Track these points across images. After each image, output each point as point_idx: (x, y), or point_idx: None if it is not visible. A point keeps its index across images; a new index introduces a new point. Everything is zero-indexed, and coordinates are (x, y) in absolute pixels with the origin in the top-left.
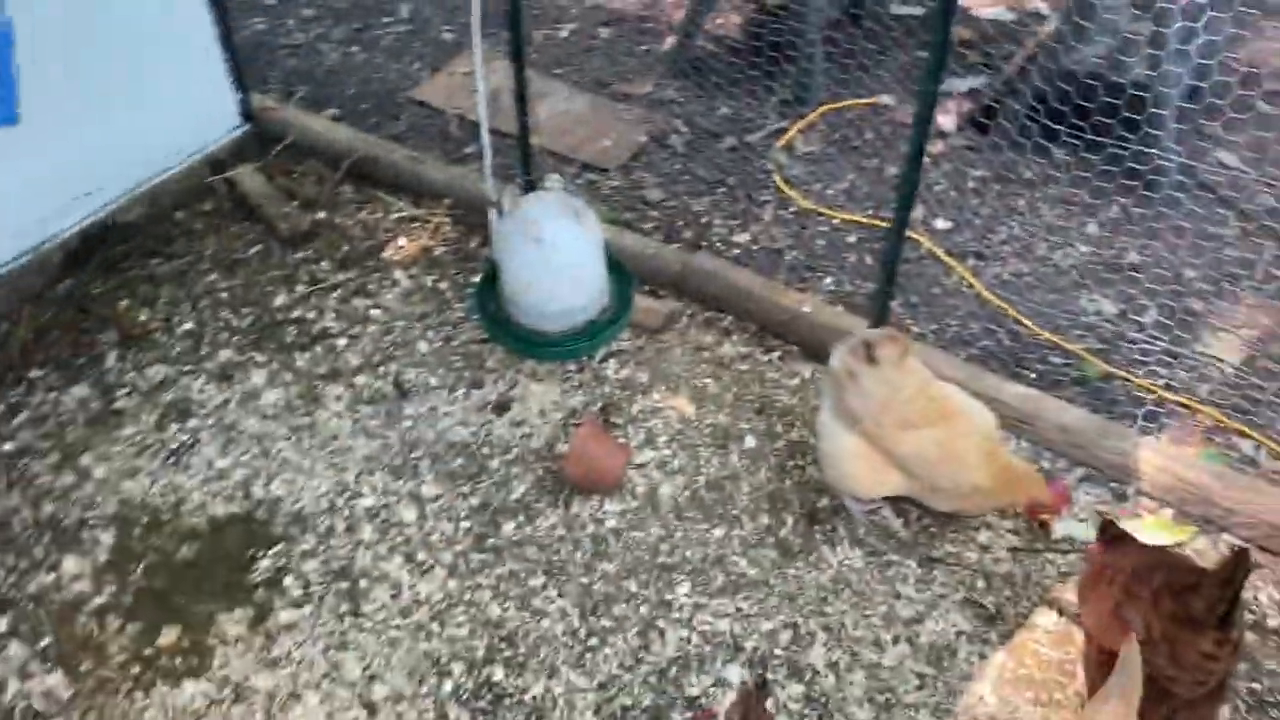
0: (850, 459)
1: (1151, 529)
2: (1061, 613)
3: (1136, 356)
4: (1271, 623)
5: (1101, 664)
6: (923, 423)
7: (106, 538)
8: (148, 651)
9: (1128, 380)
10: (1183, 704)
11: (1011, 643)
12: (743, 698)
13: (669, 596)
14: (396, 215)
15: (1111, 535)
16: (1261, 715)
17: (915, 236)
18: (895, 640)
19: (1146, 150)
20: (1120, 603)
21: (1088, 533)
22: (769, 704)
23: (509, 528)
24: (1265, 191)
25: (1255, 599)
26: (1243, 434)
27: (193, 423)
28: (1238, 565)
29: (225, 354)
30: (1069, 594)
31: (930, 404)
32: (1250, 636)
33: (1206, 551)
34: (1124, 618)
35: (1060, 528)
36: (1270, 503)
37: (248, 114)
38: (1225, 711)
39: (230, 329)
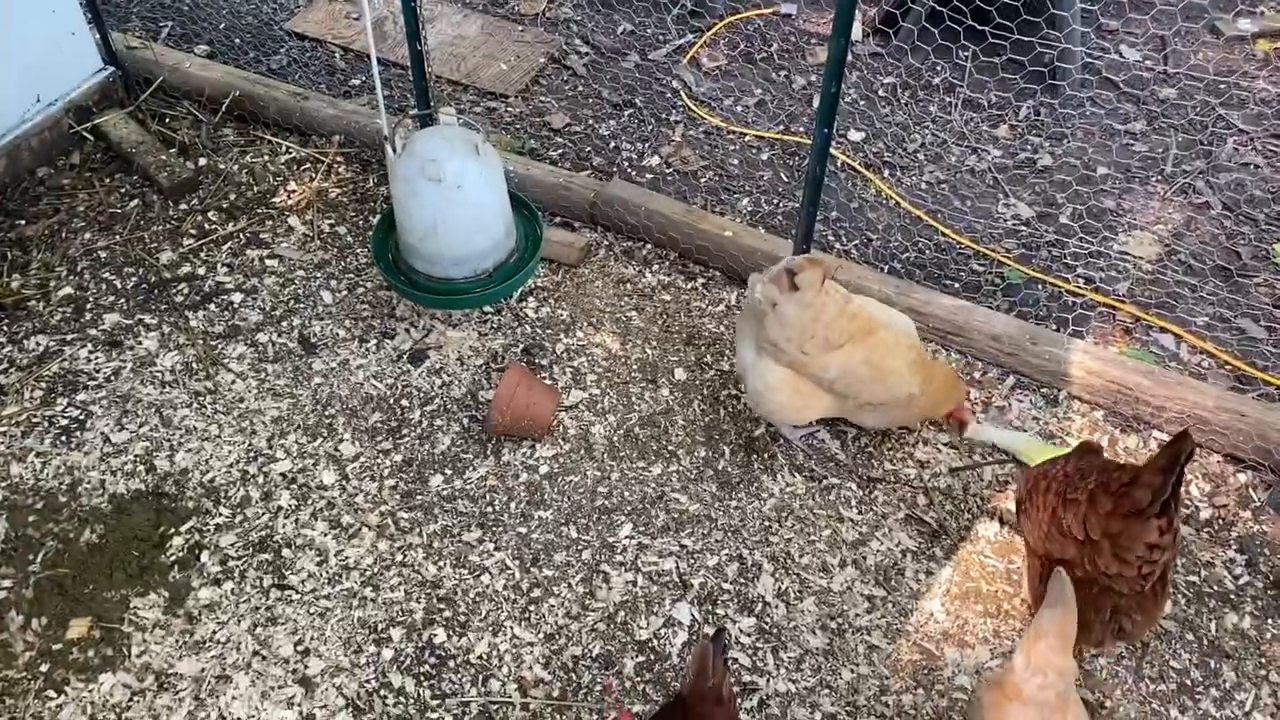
0: (779, 390)
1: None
2: (1003, 522)
3: (1056, 258)
4: (1204, 515)
5: (1045, 575)
6: (847, 342)
7: None
8: (57, 646)
9: (1049, 283)
10: (1132, 605)
11: (957, 556)
12: (699, 653)
13: (611, 539)
14: (285, 157)
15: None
16: (1200, 606)
17: (830, 150)
18: (842, 564)
19: (1049, 44)
20: (1056, 510)
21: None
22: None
23: (437, 482)
24: (1167, 84)
25: (1187, 492)
26: (1164, 329)
27: (82, 396)
28: (1181, 449)
29: (111, 318)
30: (1009, 503)
31: (852, 322)
32: (1185, 530)
33: (1137, 450)
34: (1064, 523)
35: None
36: (1198, 398)
37: (111, 55)
38: (1167, 606)
39: (114, 291)
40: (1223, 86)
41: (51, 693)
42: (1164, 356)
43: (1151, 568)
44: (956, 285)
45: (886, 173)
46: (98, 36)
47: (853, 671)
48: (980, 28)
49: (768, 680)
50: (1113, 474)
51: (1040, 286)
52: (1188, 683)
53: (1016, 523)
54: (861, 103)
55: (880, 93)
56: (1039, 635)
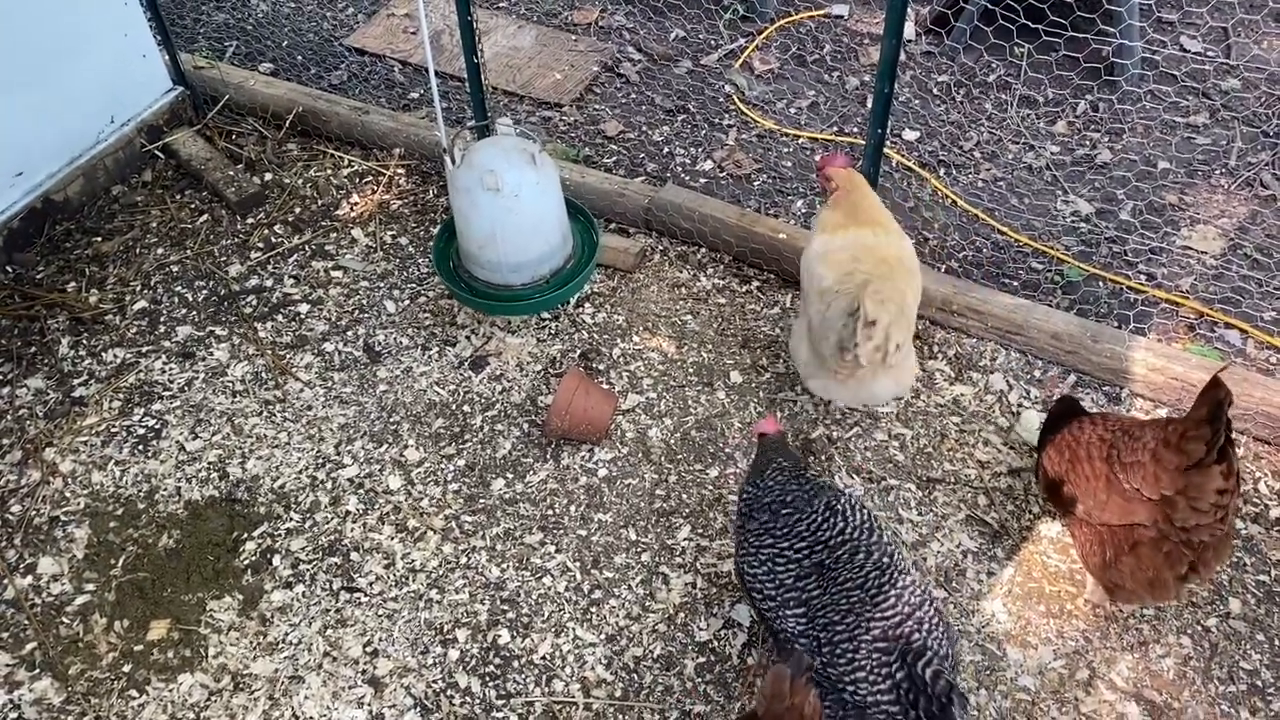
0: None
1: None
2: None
3: (1116, 254)
4: (1274, 513)
5: (1105, 543)
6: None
7: (81, 534)
8: (138, 647)
9: (1110, 280)
10: (1204, 556)
11: (1019, 557)
12: (774, 677)
13: (670, 541)
14: (347, 170)
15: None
16: (1271, 606)
17: (886, 150)
18: None
19: (1105, 39)
20: (1110, 476)
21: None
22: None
23: (499, 486)
24: (1229, 76)
25: (1255, 489)
26: (1229, 325)
27: (158, 406)
28: (1217, 394)
29: (184, 330)
30: None
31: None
32: (1254, 529)
33: None
34: (1127, 487)
35: (1023, 432)
36: (1264, 394)
37: (179, 76)
38: (1236, 605)
39: (186, 304)
40: None
41: (134, 692)
42: (1230, 352)
43: (1224, 511)
44: (1015, 284)
45: (942, 171)
46: (167, 58)
47: None
48: (1034, 25)
49: None
50: (1168, 429)
51: (1101, 283)
52: (1258, 684)
53: (1051, 502)
54: (916, 102)
55: (935, 91)
56: None
